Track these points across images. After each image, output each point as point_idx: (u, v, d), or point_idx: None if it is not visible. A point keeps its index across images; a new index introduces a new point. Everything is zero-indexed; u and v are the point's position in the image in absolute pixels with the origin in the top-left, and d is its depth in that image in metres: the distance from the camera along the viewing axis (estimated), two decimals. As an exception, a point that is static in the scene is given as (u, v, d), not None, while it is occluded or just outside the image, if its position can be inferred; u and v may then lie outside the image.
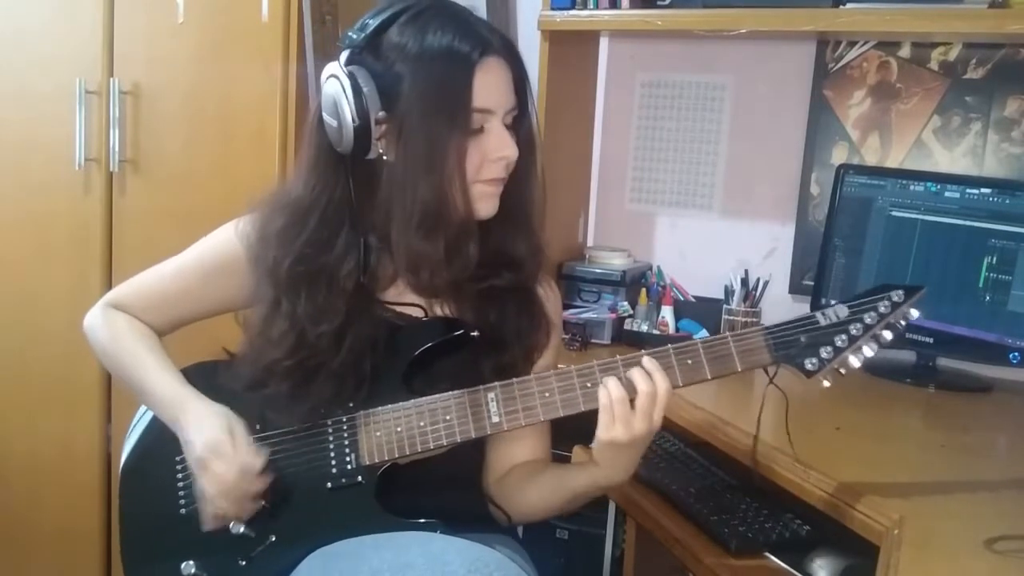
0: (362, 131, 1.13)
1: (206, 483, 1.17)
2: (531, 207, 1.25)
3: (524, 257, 1.26)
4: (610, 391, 1.10)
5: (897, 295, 1.12)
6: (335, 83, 1.14)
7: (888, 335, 1.12)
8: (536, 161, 1.24)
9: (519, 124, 1.20)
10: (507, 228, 1.24)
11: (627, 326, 2.08)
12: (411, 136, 1.12)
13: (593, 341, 2.04)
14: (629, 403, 1.10)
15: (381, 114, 1.13)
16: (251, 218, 1.26)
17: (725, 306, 1.99)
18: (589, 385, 1.14)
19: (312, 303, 1.18)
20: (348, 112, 1.12)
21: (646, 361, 1.12)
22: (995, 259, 1.74)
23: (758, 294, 1.97)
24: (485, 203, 1.19)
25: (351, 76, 1.12)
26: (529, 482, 1.29)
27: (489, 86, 1.14)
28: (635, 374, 1.11)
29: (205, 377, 1.28)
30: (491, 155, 1.16)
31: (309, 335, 1.17)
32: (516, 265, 1.25)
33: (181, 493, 1.26)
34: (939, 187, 1.82)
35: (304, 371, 1.18)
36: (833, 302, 1.13)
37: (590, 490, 1.22)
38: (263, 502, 1.19)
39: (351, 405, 1.21)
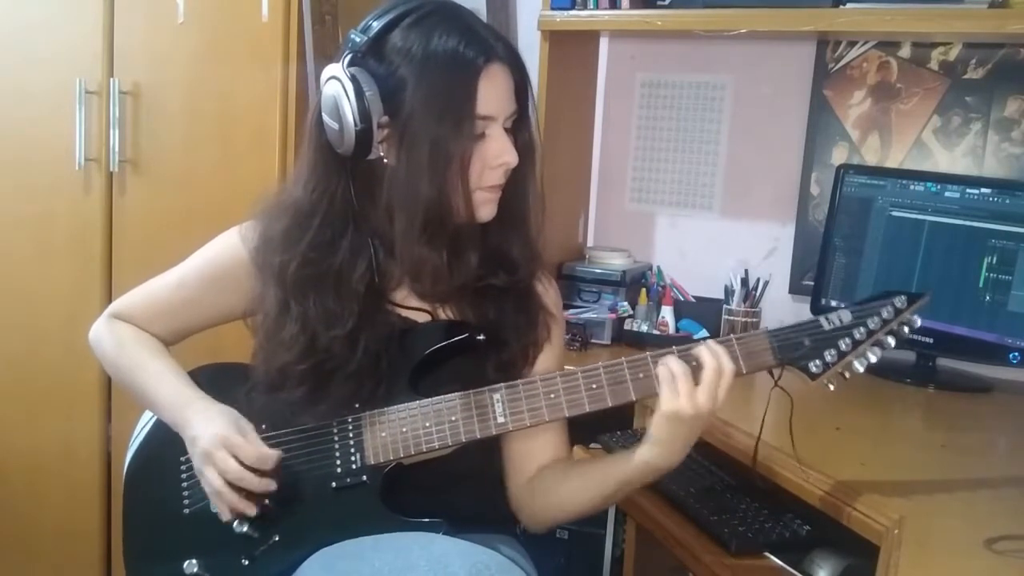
0: (364, 134, 1.12)
1: (211, 476, 1.16)
2: (528, 210, 1.26)
3: (520, 259, 1.26)
4: (671, 366, 1.09)
5: (900, 301, 1.12)
6: (336, 85, 1.13)
7: (891, 340, 1.12)
8: (535, 165, 1.24)
9: (518, 129, 1.20)
10: (505, 230, 1.24)
11: (627, 326, 2.08)
12: (414, 141, 1.12)
13: (593, 341, 2.04)
14: (693, 379, 1.09)
15: (384, 118, 1.13)
16: (253, 222, 1.26)
17: (725, 306, 1.99)
18: (594, 387, 1.14)
19: (322, 306, 1.18)
20: (350, 114, 1.11)
21: (711, 343, 1.11)
22: (995, 259, 1.74)
23: (758, 294, 1.97)
24: (485, 208, 1.19)
25: (353, 79, 1.11)
26: (567, 478, 1.25)
27: (492, 93, 1.14)
28: (702, 351, 1.10)
29: (215, 379, 1.28)
30: (492, 161, 1.16)
31: (321, 339, 1.17)
32: (513, 266, 1.26)
33: (185, 493, 1.26)
34: (939, 187, 1.82)
35: (320, 375, 1.18)
36: (834, 303, 1.13)
37: (644, 474, 1.15)
38: (267, 501, 1.19)
39: (357, 406, 1.20)
